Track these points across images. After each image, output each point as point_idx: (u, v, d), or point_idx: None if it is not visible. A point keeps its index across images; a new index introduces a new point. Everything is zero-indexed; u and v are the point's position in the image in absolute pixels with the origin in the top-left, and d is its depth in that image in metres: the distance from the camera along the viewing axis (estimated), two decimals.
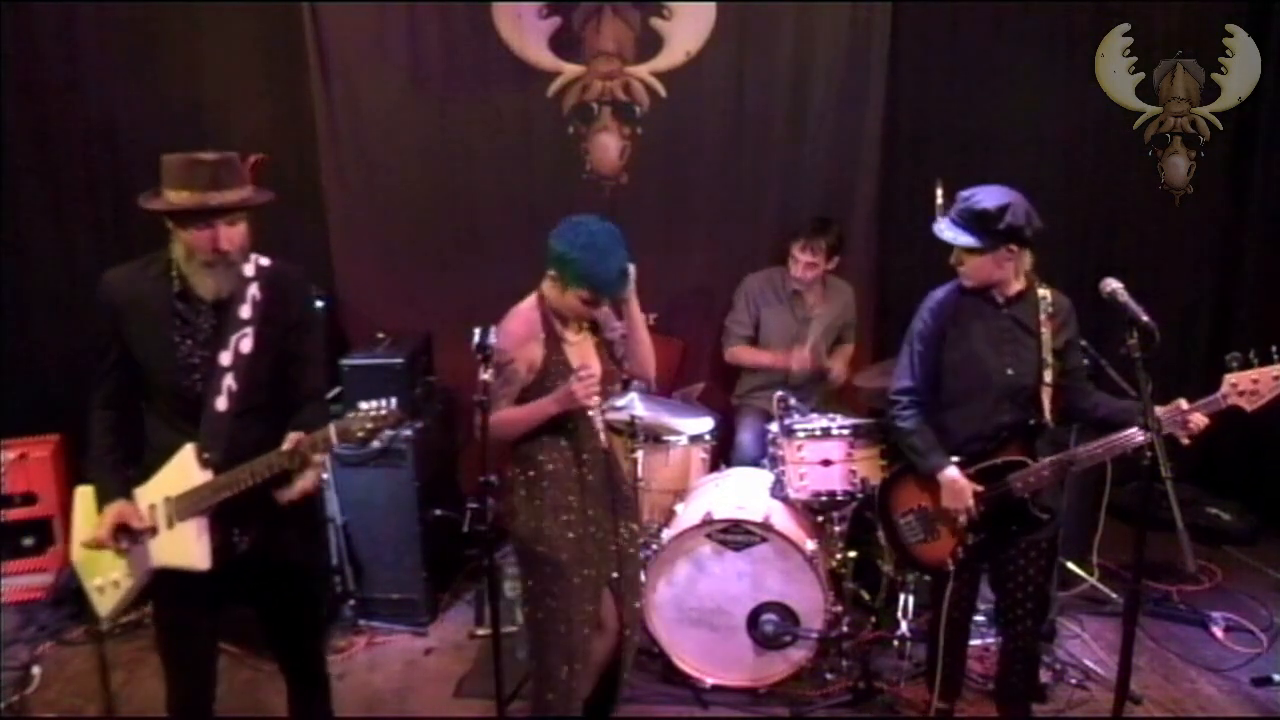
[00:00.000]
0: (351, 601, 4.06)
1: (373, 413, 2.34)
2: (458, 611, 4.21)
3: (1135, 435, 2.65)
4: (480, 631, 3.92)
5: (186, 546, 2.41)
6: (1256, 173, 4.91)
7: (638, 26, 4.56)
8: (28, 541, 4.29)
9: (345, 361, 4.02)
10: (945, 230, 2.84)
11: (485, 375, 2.61)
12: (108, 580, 2.52)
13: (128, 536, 2.43)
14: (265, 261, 2.51)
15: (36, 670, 3.65)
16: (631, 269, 2.72)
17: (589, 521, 2.81)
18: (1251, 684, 3.58)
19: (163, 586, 2.50)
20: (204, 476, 2.39)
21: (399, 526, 4.00)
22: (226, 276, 2.40)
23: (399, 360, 4.00)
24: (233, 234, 2.36)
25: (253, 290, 2.45)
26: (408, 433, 3.92)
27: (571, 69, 4.58)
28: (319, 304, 4.33)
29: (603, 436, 2.91)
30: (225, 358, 2.41)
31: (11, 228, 4.63)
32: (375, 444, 2.29)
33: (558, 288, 2.73)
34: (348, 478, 3.99)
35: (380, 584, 4.07)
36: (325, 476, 3.93)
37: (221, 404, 2.40)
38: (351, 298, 4.69)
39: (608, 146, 4.67)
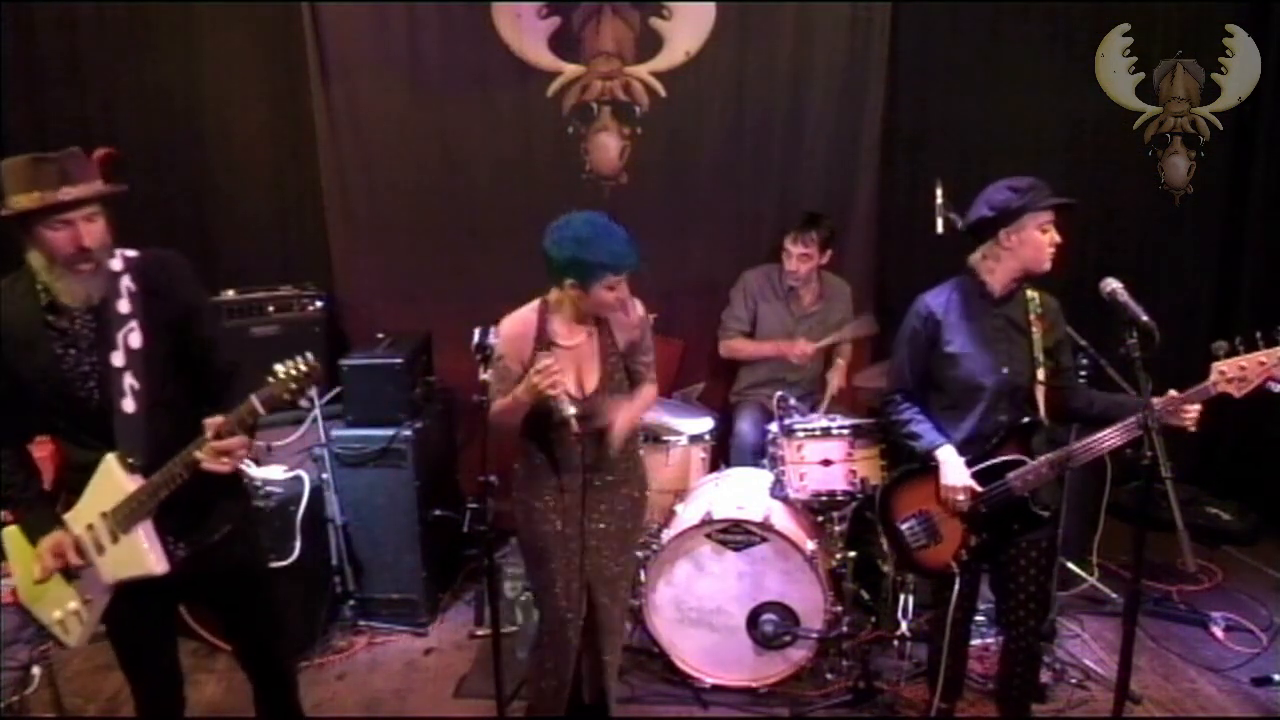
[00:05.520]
0: (351, 601, 4.06)
1: (293, 371, 2.20)
2: (458, 611, 4.21)
3: (1133, 428, 2.65)
4: (480, 631, 3.92)
5: (138, 555, 2.31)
6: (1256, 173, 4.91)
7: (637, 26, 4.56)
8: None
9: (345, 361, 4.01)
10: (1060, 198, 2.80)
11: (485, 375, 2.64)
12: (67, 611, 2.43)
13: (70, 563, 2.34)
14: (132, 253, 2.37)
15: (36, 670, 3.63)
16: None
17: (563, 514, 2.91)
18: (1251, 684, 3.58)
19: (113, 601, 2.41)
20: (135, 482, 2.29)
21: (399, 526, 3.99)
22: (94, 279, 2.28)
23: (399, 360, 4.00)
24: (93, 230, 2.24)
25: (126, 283, 2.31)
26: (408, 433, 3.92)
27: (571, 69, 4.59)
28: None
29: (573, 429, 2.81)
30: (118, 358, 2.29)
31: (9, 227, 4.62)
32: (302, 402, 2.21)
33: (580, 293, 2.74)
34: (348, 478, 3.99)
35: (380, 584, 4.07)
36: (326, 476, 3.95)
37: (129, 405, 2.29)
38: (351, 298, 4.69)
39: (607, 146, 4.67)
